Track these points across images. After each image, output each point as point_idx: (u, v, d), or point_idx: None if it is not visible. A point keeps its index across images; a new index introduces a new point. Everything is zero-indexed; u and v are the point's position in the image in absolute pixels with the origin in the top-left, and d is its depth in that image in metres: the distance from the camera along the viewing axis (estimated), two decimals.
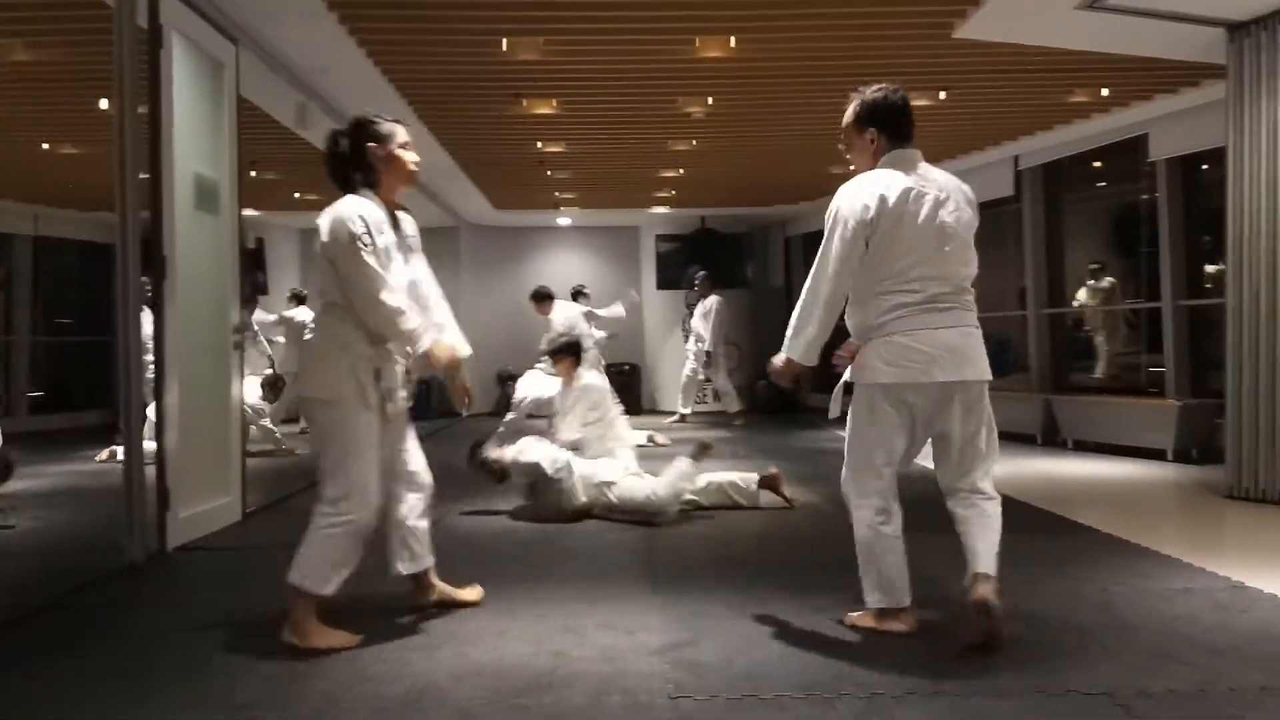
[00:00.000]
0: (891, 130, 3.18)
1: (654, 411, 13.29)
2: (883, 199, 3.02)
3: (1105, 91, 6.99)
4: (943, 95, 6.95)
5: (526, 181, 10.51)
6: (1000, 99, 7.21)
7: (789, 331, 3.16)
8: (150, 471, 4.32)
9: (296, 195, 10.93)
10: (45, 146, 8.06)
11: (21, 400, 11.48)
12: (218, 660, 2.93)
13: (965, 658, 2.89)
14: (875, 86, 3.21)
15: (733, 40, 5.74)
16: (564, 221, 13.84)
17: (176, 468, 4.42)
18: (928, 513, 5.54)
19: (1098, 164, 9.50)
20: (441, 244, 13.72)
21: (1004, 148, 9.02)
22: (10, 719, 2.50)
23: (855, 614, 3.21)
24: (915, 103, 7.33)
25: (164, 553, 4.33)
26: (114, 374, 11.18)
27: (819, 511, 5.52)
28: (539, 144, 8.57)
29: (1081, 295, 10.06)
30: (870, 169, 3.15)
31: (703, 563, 4.23)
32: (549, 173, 9.92)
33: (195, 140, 4.75)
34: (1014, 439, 8.95)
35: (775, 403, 13.21)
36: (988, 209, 10.75)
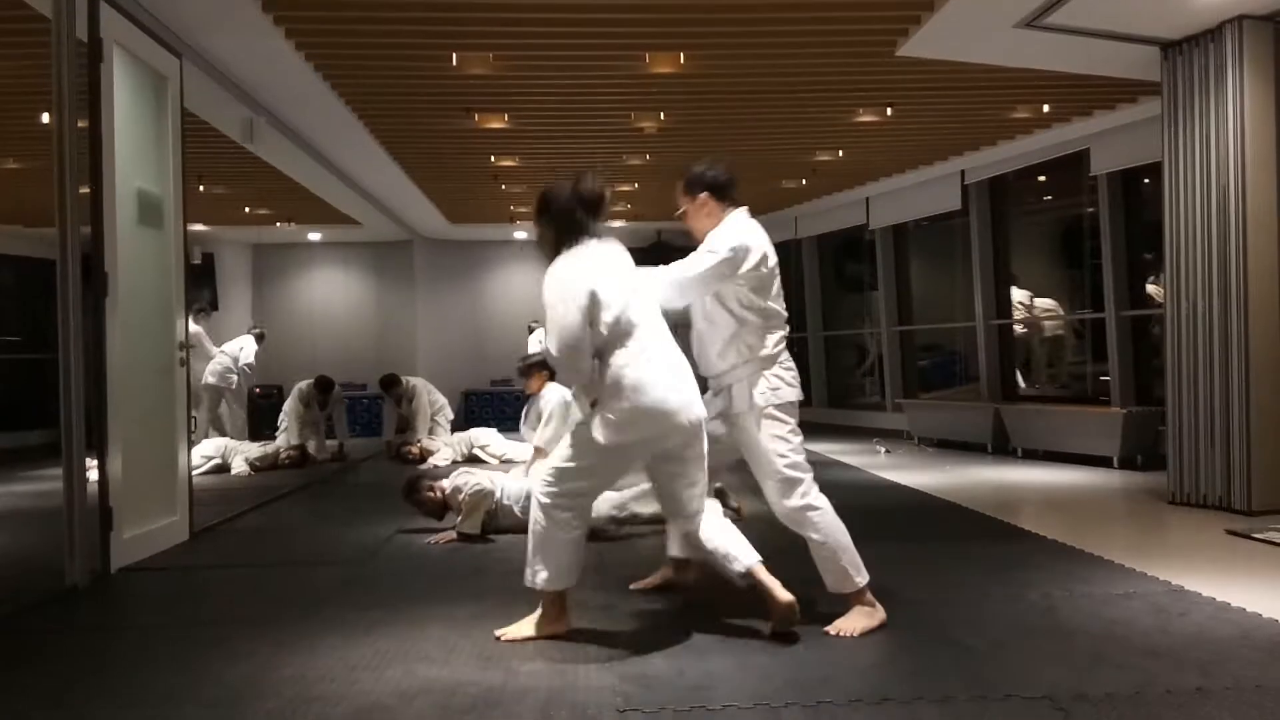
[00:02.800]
0: (725, 194, 3.73)
1: None
2: (765, 253, 3.52)
3: (1046, 108, 7.17)
4: (890, 111, 7.08)
5: (481, 195, 10.49)
6: (945, 115, 7.36)
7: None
8: (93, 491, 4.23)
9: (246, 209, 10.80)
10: None
11: None
12: (160, 684, 2.87)
13: (912, 665, 2.93)
14: (703, 164, 3.77)
15: (682, 56, 5.80)
16: (520, 235, 13.81)
17: (120, 487, 4.33)
18: (881, 522, 5.61)
19: (1042, 178, 9.73)
20: (395, 258, 13.67)
21: (951, 162, 9.20)
22: None
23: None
24: (864, 119, 7.50)
25: (107, 574, 4.24)
26: (56, 393, 11.00)
27: (768, 522, 5.55)
28: (492, 158, 8.57)
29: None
30: (712, 224, 3.64)
31: (649, 573, 4.23)
32: (503, 186, 9.92)
33: (138, 155, 4.68)
34: (965, 448, 9.10)
35: None
36: (936, 222, 11.02)
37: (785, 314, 3.59)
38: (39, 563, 4.51)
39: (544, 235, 3.43)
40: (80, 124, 4.17)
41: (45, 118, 6.28)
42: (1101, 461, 7.69)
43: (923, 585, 3.94)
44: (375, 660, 3.04)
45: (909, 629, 3.33)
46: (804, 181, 9.81)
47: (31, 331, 12.20)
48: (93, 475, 4.27)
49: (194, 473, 5.82)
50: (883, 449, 9.19)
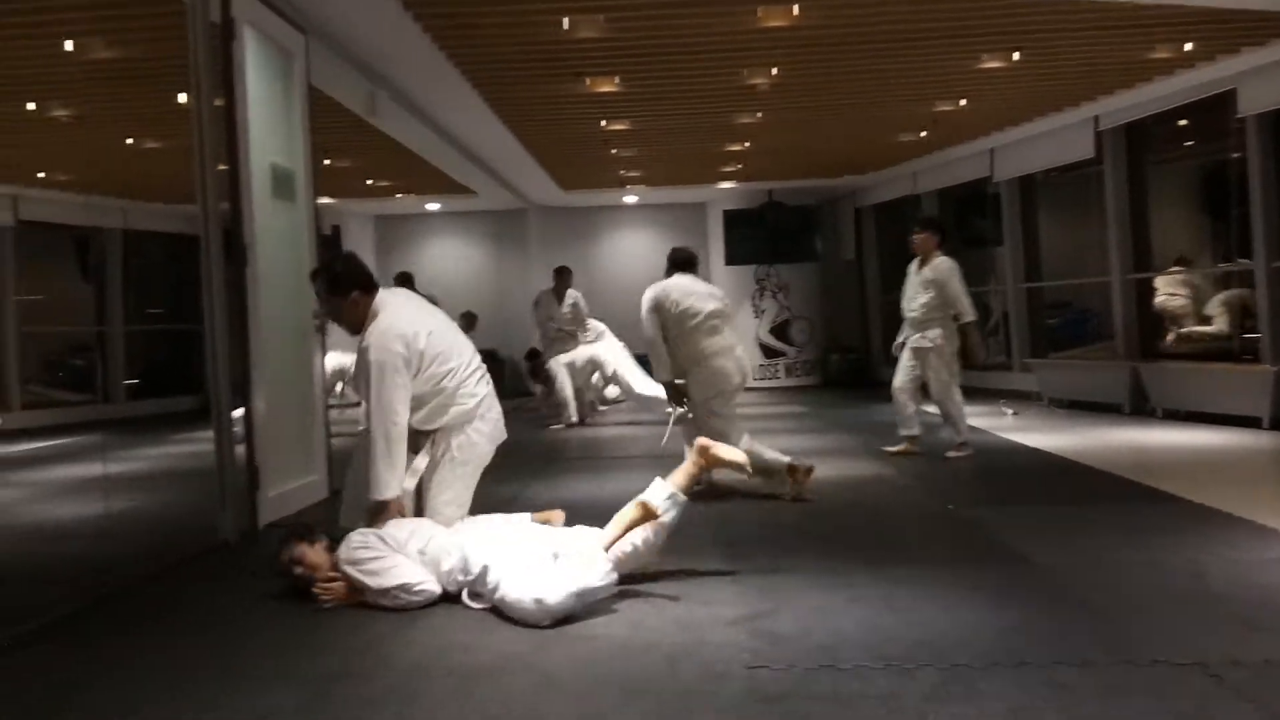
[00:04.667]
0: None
1: None
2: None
3: (1189, 46, 6.69)
4: (1016, 56, 6.74)
5: (592, 160, 10.53)
6: (1076, 58, 6.95)
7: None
8: (241, 452, 4.48)
9: (369, 182, 11.14)
10: (129, 142, 8.34)
11: (119, 387, 11.98)
12: (305, 634, 3.03)
13: (1050, 629, 2.84)
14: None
15: (796, 8, 5.64)
16: (630, 200, 13.84)
17: (265, 448, 4.57)
18: (1012, 486, 5.45)
19: (1183, 122, 9.11)
20: (510, 226, 13.89)
21: (1083, 108, 8.71)
22: (110, 688, 2.63)
23: None
24: (988, 65, 7.18)
25: (255, 530, 4.50)
26: (203, 360, 11.68)
27: (894, 485, 5.46)
28: (603, 122, 8.56)
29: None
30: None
31: (776, 535, 4.22)
32: (614, 151, 9.92)
33: (269, 130, 4.87)
34: (1099, 409, 8.70)
35: (848, 376, 13.09)
36: (1067, 172, 10.49)
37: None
38: (193, 519, 4.82)
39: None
40: (216, 102, 4.36)
41: (182, 98, 6.60)
42: (1250, 422, 7.23)
43: (1057, 550, 3.80)
44: None
45: (1044, 593, 3.22)
46: (923, 134, 9.46)
47: (174, 304, 12.96)
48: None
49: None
50: (1010, 411, 8.87)
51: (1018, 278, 10.62)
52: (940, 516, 4.60)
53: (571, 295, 9.82)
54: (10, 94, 6.68)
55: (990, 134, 9.74)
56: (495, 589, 3.08)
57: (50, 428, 6.22)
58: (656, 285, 5.34)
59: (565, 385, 9.23)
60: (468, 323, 11.47)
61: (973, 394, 10.60)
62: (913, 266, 6.48)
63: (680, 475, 3.42)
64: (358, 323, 3.70)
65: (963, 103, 8.21)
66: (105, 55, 5.79)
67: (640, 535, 3.22)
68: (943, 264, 6.28)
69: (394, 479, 3.55)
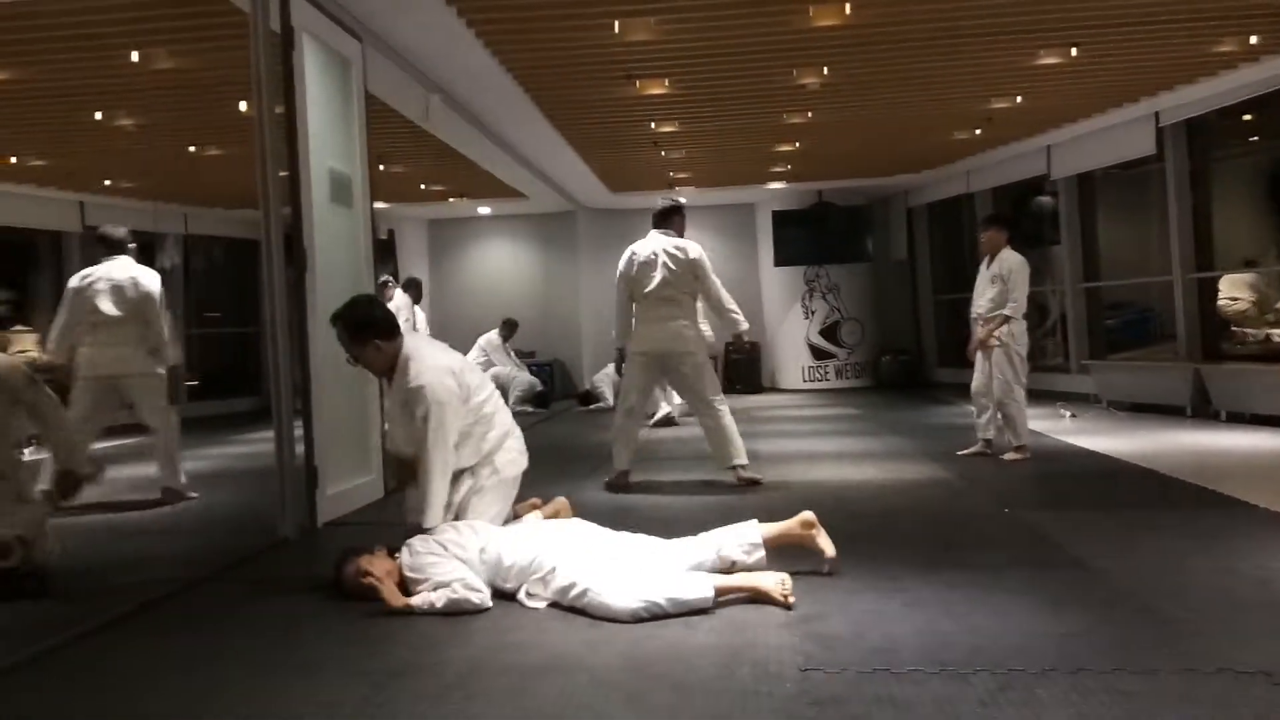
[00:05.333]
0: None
1: (774, 390, 13.21)
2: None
3: (1254, 39, 6.52)
4: (1074, 51, 6.62)
5: (641, 162, 10.56)
6: (1137, 52, 6.81)
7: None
8: (300, 452, 4.58)
9: (423, 186, 11.30)
10: (191, 149, 8.57)
11: (180, 388, 12.29)
12: (364, 630, 3.09)
13: (1110, 636, 2.79)
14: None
15: (848, 6, 5.61)
16: (679, 200, 13.83)
17: (323, 448, 4.66)
18: (1070, 490, 5.36)
19: (1248, 117, 8.87)
20: (559, 228, 13.99)
21: (1143, 104, 8.52)
22: (182, 679, 2.71)
23: None
24: (1045, 61, 7.04)
25: (314, 528, 4.60)
26: (261, 362, 11.95)
27: (949, 488, 5.40)
28: (652, 124, 8.59)
29: None
30: None
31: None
32: (663, 152, 9.94)
33: (328, 136, 4.98)
34: (1161, 411, 8.51)
35: (900, 377, 12.95)
36: (1127, 169, 10.26)
37: None
38: (253, 518, 4.94)
39: None
40: (277, 110, 4.47)
41: (242, 106, 6.77)
42: None
43: (1117, 555, 3.73)
44: (562, 613, 3.15)
45: (1104, 599, 3.17)
46: (977, 132, 9.33)
47: (232, 307, 13.26)
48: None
49: None
50: (1068, 413, 8.72)
51: (1076, 277, 10.42)
52: (996, 520, 4.54)
53: None
54: (78, 104, 6.90)
55: (1047, 131, 9.58)
56: (567, 589, 3.14)
57: (115, 428, 6.41)
58: (631, 246, 5.83)
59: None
60: (509, 330, 11.67)
61: (1029, 396, 10.44)
62: (983, 265, 6.41)
63: (773, 530, 3.50)
64: (383, 367, 3.83)
65: (1019, 99, 8.08)
66: (168, 65, 5.96)
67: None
68: (1011, 258, 6.21)
69: (443, 509, 3.67)
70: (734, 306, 5.69)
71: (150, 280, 5.72)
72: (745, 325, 5.73)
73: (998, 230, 6.33)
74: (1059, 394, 9.96)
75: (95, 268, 5.71)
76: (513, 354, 11.86)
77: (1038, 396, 10.33)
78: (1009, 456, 6.12)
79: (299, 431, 4.63)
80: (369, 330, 3.77)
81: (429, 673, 2.66)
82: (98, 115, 7.19)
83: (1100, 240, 10.53)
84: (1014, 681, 2.45)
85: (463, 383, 3.80)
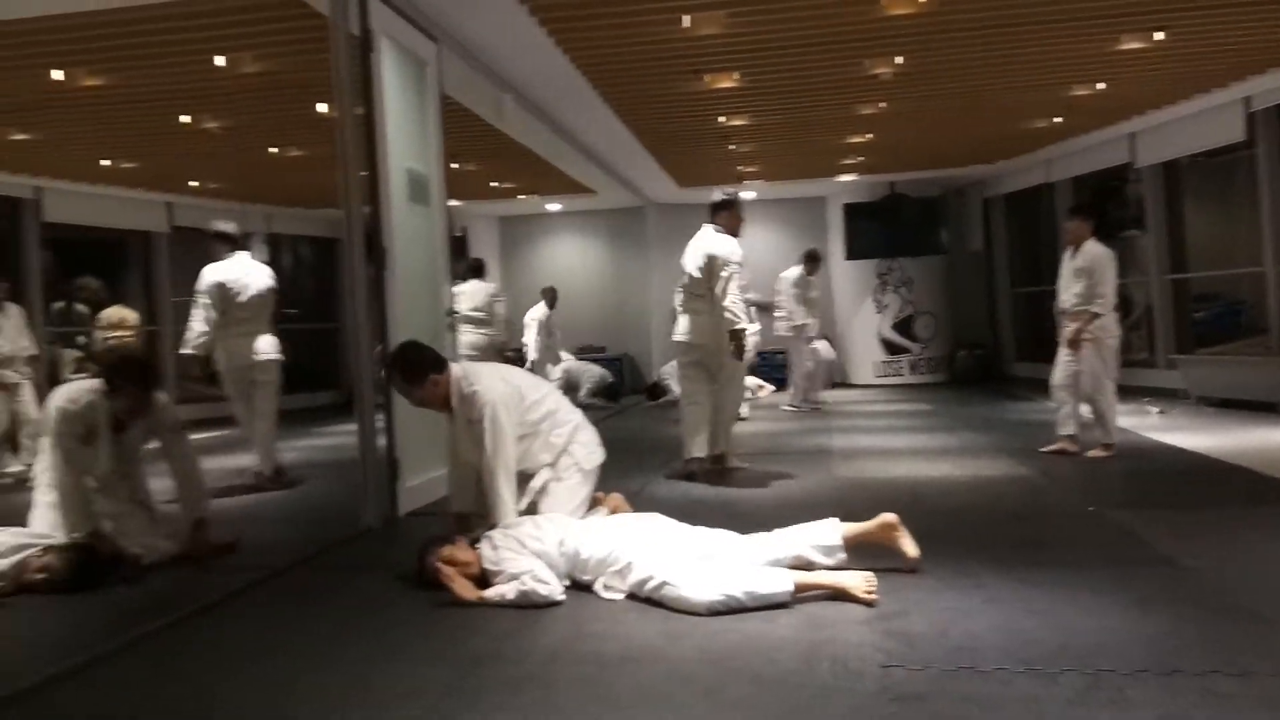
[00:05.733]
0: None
1: (844, 384, 13.06)
2: None
3: None
4: (1160, 36, 6.40)
5: (710, 157, 10.53)
6: (1226, 36, 6.55)
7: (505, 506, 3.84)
8: (381, 444, 4.70)
9: (494, 184, 11.45)
10: (273, 150, 8.82)
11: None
12: (445, 618, 3.16)
13: (1201, 636, 2.70)
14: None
15: None
16: (748, 195, 13.77)
17: (403, 441, 4.77)
18: (1158, 487, 5.20)
19: None
20: (629, 224, 14.03)
21: (1232, 89, 8.20)
22: (262, 667, 2.81)
23: None
24: (1128, 46, 6.81)
25: (395, 518, 4.71)
26: (340, 358, 12.24)
27: (1031, 485, 5.28)
28: (721, 119, 8.56)
29: None
30: None
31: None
32: (732, 147, 9.90)
33: (406, 137, 5.07)
34: (1252, 408, 8.18)
35: (976, 372, 12.69)
36: (1214, 156, 9.88)
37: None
38: (337, 508, 5.07)
39: None
40: (357, 111, 4.57)
41: (322, 107, 6.94)
42: None
43: (1208, 554, 3.61)
44: (639, 604, 3.18)
45: (1195, 599, 3.07)
46: (1057, 120, 9.09)
47: (310, 304, 13.60)
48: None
49: None
50: (1155, 409, 8.44)
51: (1162, 269, 10.07)
52: (1080, 518, 4.43)
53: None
54: (167, 108, 7.15)
55: (1130, 118, 9.28)
56: (644, 581, 3.17)
57: (201, 421, 6.65)
58: None
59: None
60: (551, 298, 11.64)
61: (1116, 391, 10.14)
62: (1065, 255, 6.24)
63: (853, 530, 3.46)
64: (442, 400, 3.94)
65: (1100, 86, 7.85)
66: (252, 70, 6.14)
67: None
68: (1095, 250, 6.03)
69: (513, 506, 3.81)
70: (729, 304, 5.54)
71: (268, 276, 6.29)
72: (739, 324, 5.58)
73: (1082, 221, 6.16)
74: (1145, 389, 9.65)
75: (221, 264, 6.08)
76: (556, 329, 11.80)
77: (1123, 392, 10.03)
78: (1094, 453, 5.96)
79: (380, 425, 4.74)
80: (421, 369, 3.91)
81: (509, 661, 2.71)
82: (185, 119, 7.45)
83: (1187, 230, 10.17)
84: (1102, 681, 2.39)
85: (513, 383, 3.99)
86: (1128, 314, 11.46)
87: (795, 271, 9.94)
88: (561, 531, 3.46)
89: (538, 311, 11.62)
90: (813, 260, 10.00)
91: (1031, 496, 5.00)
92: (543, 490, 3.96)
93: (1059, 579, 3.30)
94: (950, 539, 4.01)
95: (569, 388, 10.78)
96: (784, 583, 3.10)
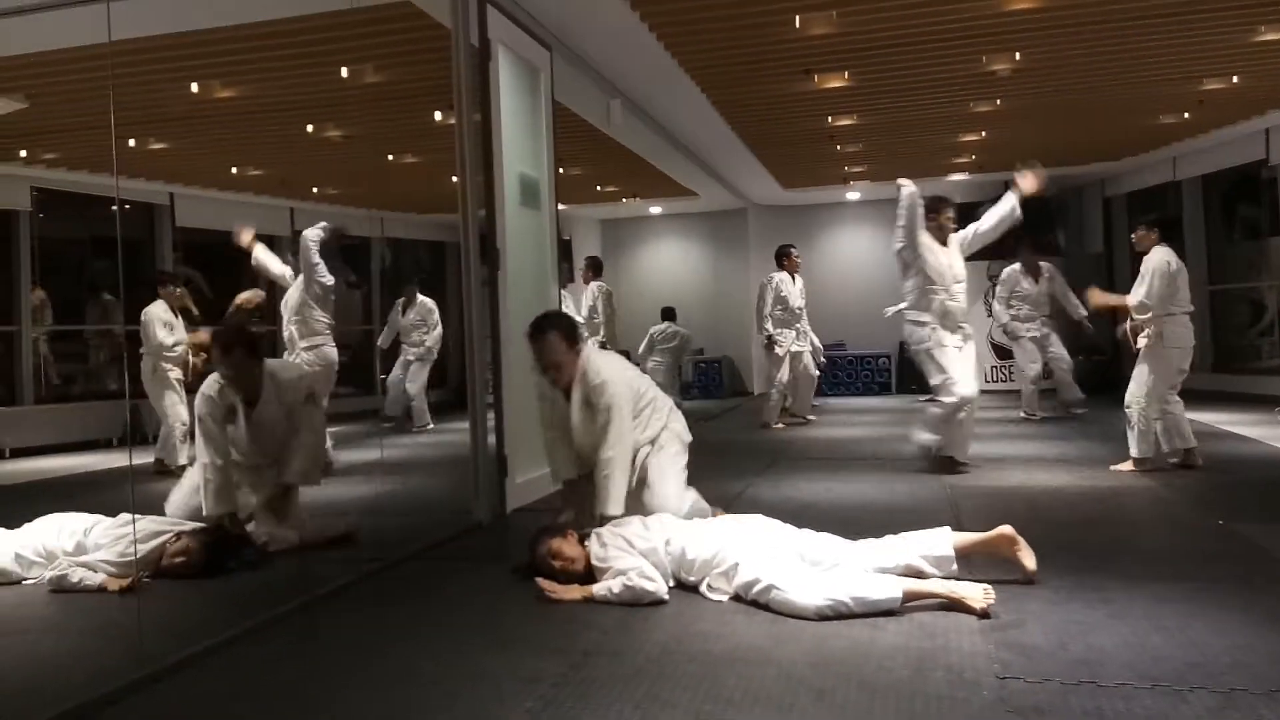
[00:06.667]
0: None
1: None
2: None
3: None
4: None
5: (815, 157, 10.44)
6: None
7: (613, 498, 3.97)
8: (491, 442, 4.82)
9: (598, 188, 11.59)
10: (390, 158, 9.14)
11: (377, 380, 13.15)
12: (556, 611, 3.23)
13: None
14: None
15: None
16: (853, 196, 13.57)
17: (512, 439, 4.88)
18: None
19: None
20: (730, 226, 14.01)
21: None
22: (380, 655, 2.91)
23: None
24: (1266, 37, 6.46)
25: (504, 514, 4.82)
26: (449, 356, 12.60)
27: (1154, 496, 5.07)
28: (829, 119, 8.47)
29: None
30: None
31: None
32: (838, 147, 9.78)
33: (519, 142, 5.20)
34: None
35: (1094, 379, 12.18)
36: None
37: None
38: (449, 503, 5.23)
39: None
40: (474, 118, 4.71)
41: (437, 115, 7.16)
42: None
43: None
44: (744, 606, 3.18)
45: None
46: (1186, 115, 8.67)
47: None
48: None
49: None
50: None
51: None
52: (1209, 531, 4.23)
53: None
54: (293, 118, 7.50)
55: (1266, 113, 8.79)
56: (751, 584, 3.17)
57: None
58: None
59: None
60: (669, 315, 11.78)
61: (1240, 400, 9.62)
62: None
63: (967, 540, 3.38)
64: (569, 374, 4.05)
65: (1235, 79, 7.46)
66: (373, 80, 6.38)
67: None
68: (1153, 255, 5.78)
69: (623, 500, 3.94)
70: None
71: None
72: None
73: (1147, 230, 5.96)
74: (1276, 398, 9.12)
75: None
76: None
77: (1248, 400, 9.50)
78: (1119, 467, 5.75)
79: (490, 423, 4.86)
80: (574, 338, 4.10)
81: (621, 654, 2.76)
82: (309, 128, 7.78)
83: None
84: (1235, 701, 2.29)
85: (630, 376, 4.20)
86: (1259, 319, 10.87)
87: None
88: (668, 531, 3.49)
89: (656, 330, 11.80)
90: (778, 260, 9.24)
91: (1156, 508, 4.79)
92: (647, 458, 4.13)
93: (1187, 594, 3.16)
94: (1070, 550, 3.88)
95: None
96: (893, 589, 3.05)
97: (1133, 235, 6.13)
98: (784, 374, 8.94)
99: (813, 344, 9.37)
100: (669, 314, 11.96)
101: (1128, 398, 5.83)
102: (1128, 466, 5.76)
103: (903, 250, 6.00)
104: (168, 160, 8.94)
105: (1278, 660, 2.56)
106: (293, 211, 11.70)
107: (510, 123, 5.04)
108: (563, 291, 10.63)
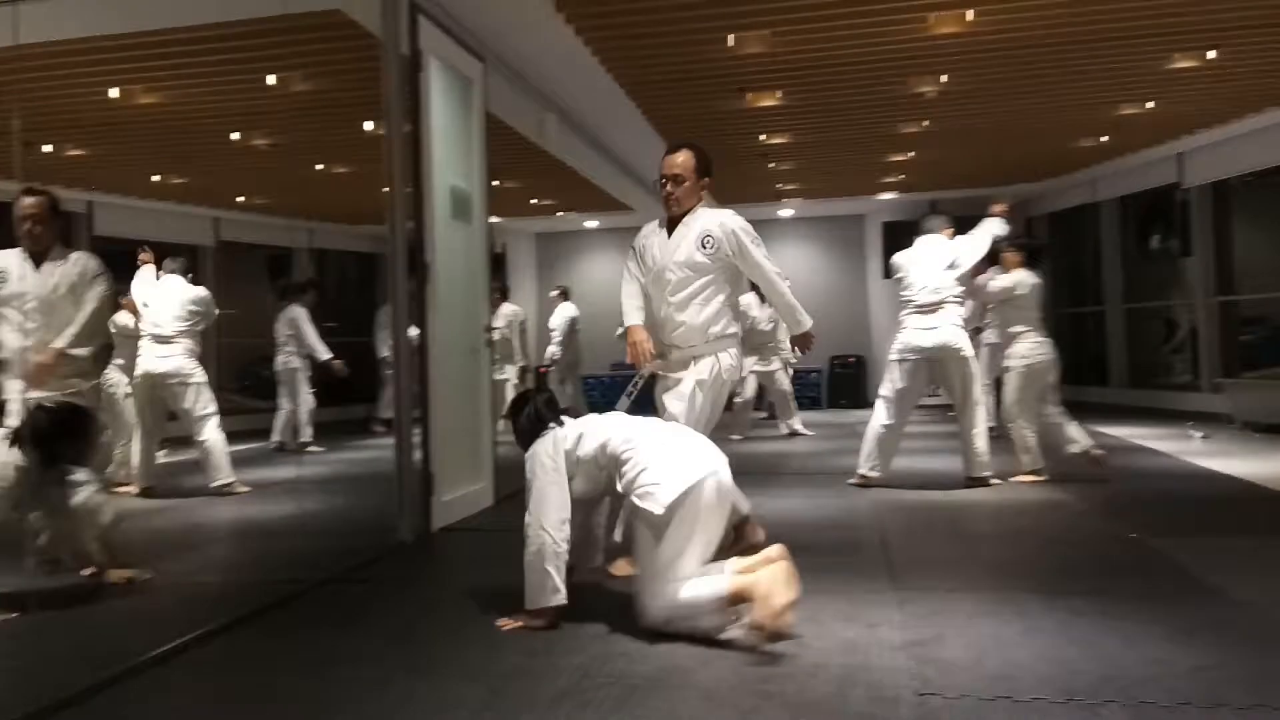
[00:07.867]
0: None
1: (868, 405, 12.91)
2: None
3: None
4: (1212, 54, 6.32)
5: (748, 175, 10.54)
6: None
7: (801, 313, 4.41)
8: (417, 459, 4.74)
9: (533, 201, 11.54)
10: (319, 167, 8.98)
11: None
12: (479, 633, 3.17)
13: (1248, 670, 2.64)
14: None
15: (970, 13, 5.50)
16: (785, 213, 13.75)
17: (439, 456, 4.80)
18: (1203, 515, 5.08)
19: None
20: None
21: None
22: (293, 681, 2.82)
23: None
24: (1179, 65, 6.73)
25: (429, 533, 4.74)
26: (374, 371, 12.37)
27: (1070, 510, 5.20)
28: (762, 136, 8.57)
29: None
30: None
31: (944, 559, 4.10)
32: (771, 164, 9.90)
33: (450, 154, 5.14)
34: None
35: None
36: (1265, 177, 9.68)
37: None
38: (372, 521, 5.12)
39: None
40: (404, 129, 4.64)
41: (367, 125, 7.05)
42: None
43: (1256, 584, 3.53)
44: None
45: (1243, 631, 3.00)
46: (1104, 139, 8.98)
47: (347, 318, 13.77)
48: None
49: None
50: (1198, 434, 8.27)
51: (1208, 290, 9.90)
52: (1123, 545, 4.34)
53: None
54: (218, 125, 7.32)
55: (1179, 137, 9.16)
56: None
57: (240, 432, 6.78)
58: None
59: None
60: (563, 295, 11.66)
61: (1153, 415, 9.96)
62: None
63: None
64: (689, 202, 4.26)
65: (1150, 105, 7.76)
66: (302, 88, 6.26)
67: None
68: (1011, 274, 6.32)
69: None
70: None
71: None
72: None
73: (1014, 253, 6.49)
74: (1188, 413, 9.47)
75: None
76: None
77: (1166, 416, 9.84)
78: (1017, 479, 5.99)
79: (416, 439, 4.78)
80: (710, 169, 4.26)
81: (542, 678, 2.71)
82: (235, 136, 7.60)
83: (1236, 251, 9.98)
84: (1146, 714, 2.34)
85: None
86: (1171, 336, 11.28)
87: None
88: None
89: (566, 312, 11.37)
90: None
91: (1071, 522, 4.91)
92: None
93: (1101, 607, 3.23)
94: (988, 565, 3.96)
95: None
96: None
97: (1000, 255, 6.50)
98: (750, 389, 9.25)
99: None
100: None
101: (1002, 415, 6.22)
102: (1028, 479, 5.98)
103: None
104: (86, 167, 8.66)
105: (1189, 674, 2.62)
106: (218, 221, 11.44)
107: (442, 135, 4.99)
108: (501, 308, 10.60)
